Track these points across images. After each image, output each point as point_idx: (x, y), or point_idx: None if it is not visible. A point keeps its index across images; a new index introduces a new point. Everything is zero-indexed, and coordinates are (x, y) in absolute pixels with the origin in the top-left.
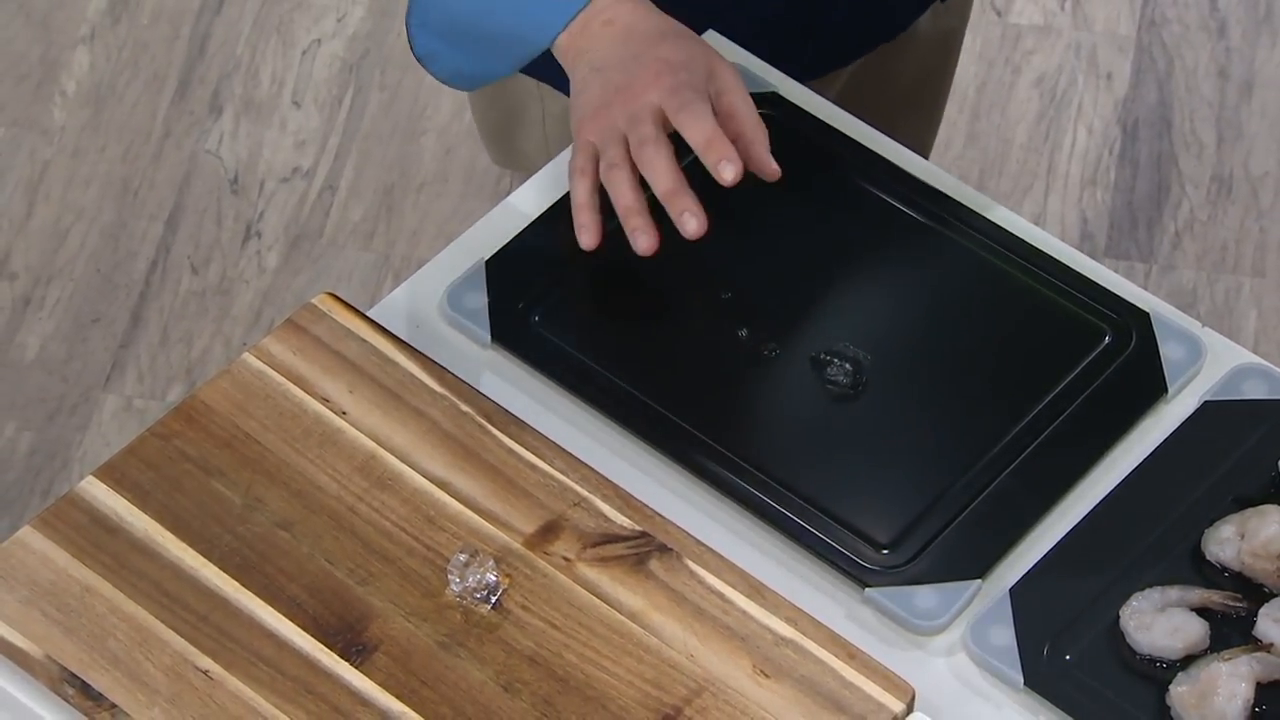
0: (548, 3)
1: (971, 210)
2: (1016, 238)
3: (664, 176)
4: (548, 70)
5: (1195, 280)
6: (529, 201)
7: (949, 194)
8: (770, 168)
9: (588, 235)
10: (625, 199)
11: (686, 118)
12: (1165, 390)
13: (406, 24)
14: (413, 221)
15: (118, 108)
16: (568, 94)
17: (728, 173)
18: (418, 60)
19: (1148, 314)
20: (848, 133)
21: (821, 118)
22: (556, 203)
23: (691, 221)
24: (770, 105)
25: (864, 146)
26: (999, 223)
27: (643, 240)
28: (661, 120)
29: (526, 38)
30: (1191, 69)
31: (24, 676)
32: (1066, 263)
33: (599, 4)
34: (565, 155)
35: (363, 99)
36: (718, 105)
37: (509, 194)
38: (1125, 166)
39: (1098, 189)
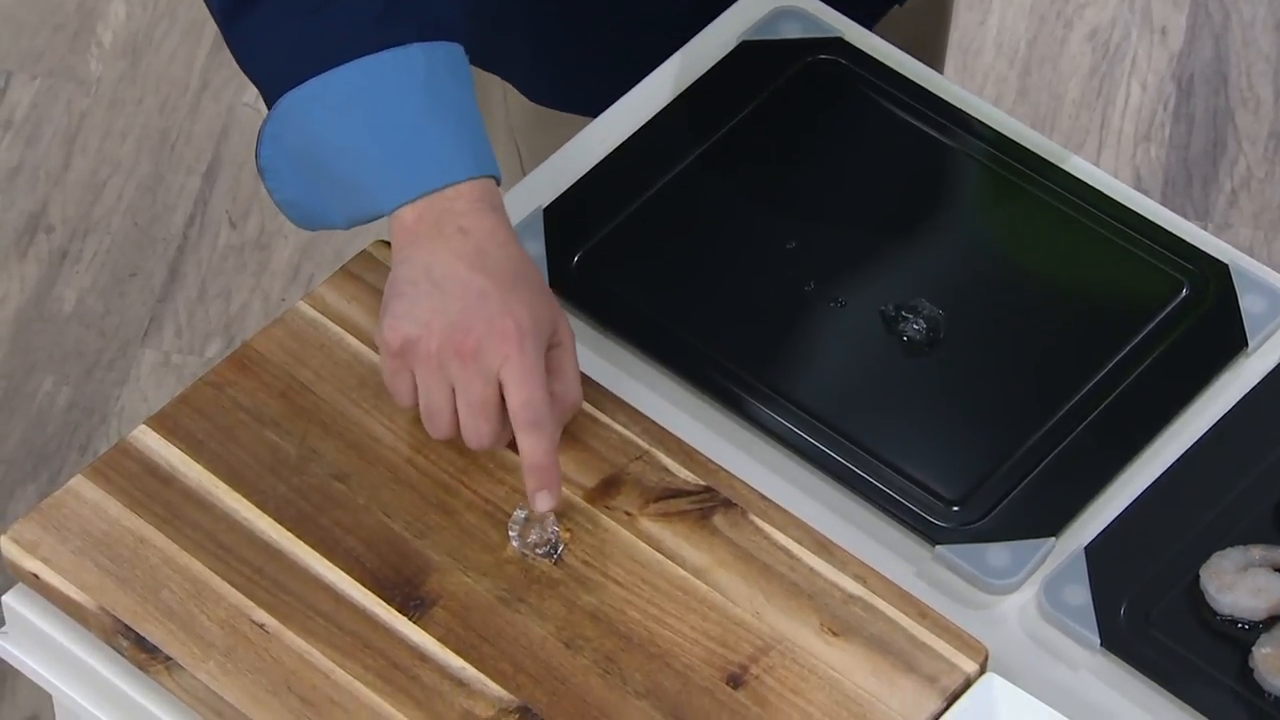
0: (408, 168)
1: (1044, 159)
2: (1091, 188)
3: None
4: (506, 68)
5: (1252, 239)
6: (588, 148)
7: (1021, 142)
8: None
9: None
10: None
11: (528, 429)
12: (1245, 344)
13: (260, 132)
14: None
15: (155, 59)
16: (527, 95)
17: (543, 503)
18: (259, 171)
19: (1226, 265)
20: (915, 79)
21: (888, 64)
22: (616, 149)
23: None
24: (836, 51)
25: (932, 93)
26: (1073, 172)
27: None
28: (497, 385)
29: (372, 192)
30: (1249, 22)
31: (78, 629)
32: (1143, 214)
33: (460, 202)
34: (632, 94)
35: None
36: (547, 358)
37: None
38: (1180, 123)
39: (1152, 145)
